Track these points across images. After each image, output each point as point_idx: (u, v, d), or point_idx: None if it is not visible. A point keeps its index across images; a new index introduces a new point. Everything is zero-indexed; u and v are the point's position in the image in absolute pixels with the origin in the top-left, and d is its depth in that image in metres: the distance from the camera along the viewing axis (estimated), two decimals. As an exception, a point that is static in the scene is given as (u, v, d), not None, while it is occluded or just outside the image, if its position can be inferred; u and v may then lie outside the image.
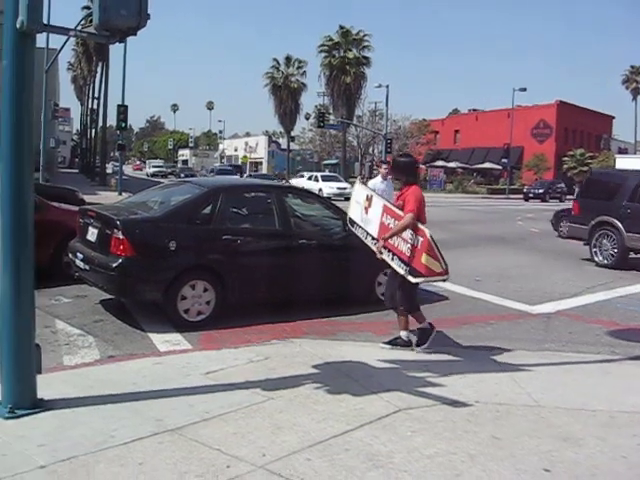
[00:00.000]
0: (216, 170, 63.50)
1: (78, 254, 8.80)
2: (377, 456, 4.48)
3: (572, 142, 75.19)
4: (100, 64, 58.98)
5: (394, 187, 11.46)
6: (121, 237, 7.96)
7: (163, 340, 7.67)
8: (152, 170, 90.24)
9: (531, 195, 55.25)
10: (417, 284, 7.25)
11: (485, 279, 12.97)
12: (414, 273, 6.82)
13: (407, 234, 6.92)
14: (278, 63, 77.66)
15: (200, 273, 8.37)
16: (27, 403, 4.99)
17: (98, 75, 61.00)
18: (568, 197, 50.43)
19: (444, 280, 7.08)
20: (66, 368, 6.52)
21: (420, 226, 6.93)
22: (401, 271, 6.97)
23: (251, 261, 8.72)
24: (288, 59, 77.67)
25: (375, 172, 68.14)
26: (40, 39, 5.46)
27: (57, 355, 6.99)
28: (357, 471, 4.24)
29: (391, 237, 7.11)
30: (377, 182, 13.06)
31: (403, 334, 7.53)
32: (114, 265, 7.95)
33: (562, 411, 5.58)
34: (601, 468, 4.44)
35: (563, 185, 59.40)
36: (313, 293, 9.20)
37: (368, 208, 7.69)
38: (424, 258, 6.72)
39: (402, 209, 7.18)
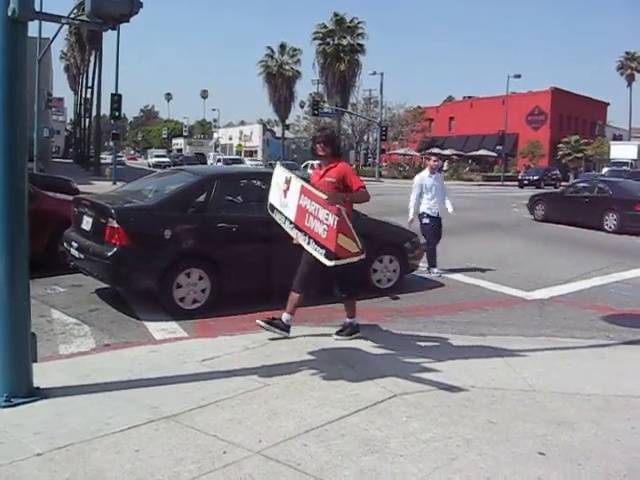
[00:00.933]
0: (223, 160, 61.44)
1: (73, 243, 8.79)
2: (373, 441, 4.50)
3: (567, 129, 75.20)
4: (93, 53, 58.83)
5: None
6: (116, 226, 7.95)
7: (159, 328, 7.67)
8: (154, 160, 79.99)
9: (526, 182, 55.26)
10: (355, 270, 7.06)
11: (480, 265, 12.99)
12: (330, 256, 6.30)
13: (322, 214, 6.38)
14: (272, 51, 77.58)
15: (195, 261, 8.37)
16: (23, 392, 5.00)
17: (91, 64, 60.98)
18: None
19: (360, 260, 6.48)
20: (62, 357, 6.53)
21: (336, 205, 6.39)
22: (317, 255, 6.44)
23: (246, 249, 8.72)
24: (282, 47, 77.57)
25: (370, 160, 68.31)
26: (32, 28, 5.45)
27: (53, 344, 6.99)
28: (353, 456, 4.26)
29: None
30: (424, 176, 12.16)
31: (286, 318, 7.19)
32: (109, 254, 7.94)
33: (557, 395, 5.60)
34: (595, 451, 4.47)
35: (558, 172, 59.45)
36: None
37: (287, 191, 7.13)
38: (340, 238, 6.26)
39: (330, 187, 6.84)
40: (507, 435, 4.69)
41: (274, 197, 7.44)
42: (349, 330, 7.24)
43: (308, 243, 6.62)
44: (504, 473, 4.09)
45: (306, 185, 6.85)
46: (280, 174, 7.42)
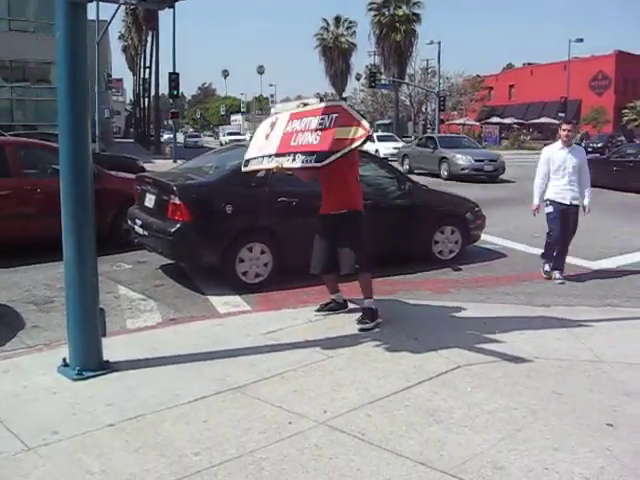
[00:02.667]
0: None
1: (137, 220, 8.96)
2: (437, 412, 4.50)
3: (632, 93, 72.65)
4: (150, 33, 59.39)
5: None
6: (178, 202, 8.06)
7: (222, 302, 7.79)
8: (227, 138, 67.22)
9: (590, 150, 53.83)
10: (362, 237, 6.53)
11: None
12: (320, 157, 5.69)
13: (316, 122, 5.84)
14: (328, 24, 77.15)
15: (257, 236, 8.45)
16: (94, 365, 5.15)
17: (148, 44, 61.50)
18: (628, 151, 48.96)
19: (364, 142, 5.55)
20: (130, 331, 6.70)
21: (333, 103, 6.03)
22: (306, 165, 5.90)
23: (307, 222, 8.72)
24: (337, 19, 77.06)
25: (429, 130, 67.40)
26: (90, 12, 5.52)
27: (120, 319, 7.17)
28: (417, 426, 4.27)
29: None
30: (555, 150, 9.25)
31: (335, 296, 7.06)
32: (172, 230, 8.07)
33: (624, 366, 5.50)
34: (666, 421, 4.38)
35: (623, 138, 57.71)
36: (369, 253, 9.19)
37: (269, 133, 6.65)
38: (338, 132, 5.61)
39: None
40: (573, 406, 4.64)
41: (249, 153, 6.95)
42: (370, 315, 6.58)
43: (293, 160, 6.03)
44: (571, 444, 4.05)
45: (297, 110, 6.44)
46: (264, 123, 7.06)
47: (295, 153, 5.99)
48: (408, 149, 33.28)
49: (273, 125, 6.69)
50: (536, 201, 9.37)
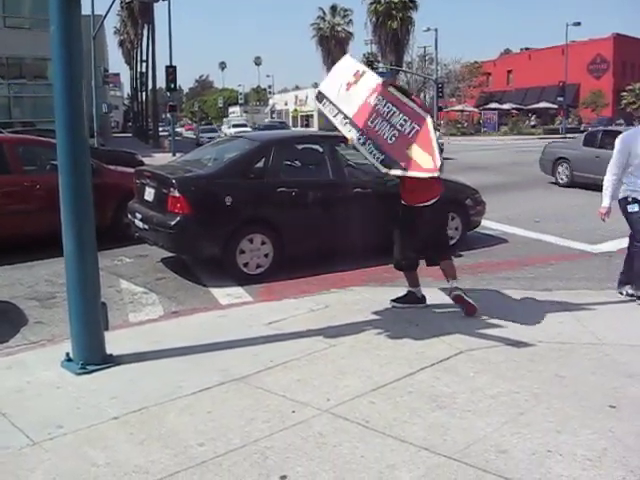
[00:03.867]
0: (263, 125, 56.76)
1: (137, 214, 8.97)
2: (440, 397, 4.52)
3: (631, 76, 72.50)
4: (146, 27, 59.24)
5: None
6: (177, 195, 8.07)
7: (224, 294, 7.81)
8: (232, 131, 53.07)
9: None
10: (446, 225, 6.38)
11: (544, 220, 12.78)
12: (388, 163, 5.73)
13: (397, 119, 5.83)
14: (324, 13, 76.99)
15: (257, 227, 8.45)
16: (97, 359, 5.16)
17: (145, 38, 61.33)
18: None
19: (431, 177, 5.63)
20: (132, 325, 6.72)
21: (421, 112, 5.84)
22: (371, 158, 5.94)
23: (307, 212, 8.77)
24: (333, 8, 76.86)
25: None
26: (85, 6, 5.51)
27: (123, 313, 7.19)
28: (421, 412, 4.29)
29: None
30: (637, 136, 6.92)
31: (417, 290, 6.86)
32: (172, 223, 8.08)
33: (626, 348, 5.52)
34: (668, 402, 4.40)
35: (622, 121, 57.60)
36: (370, 241, 9.21)
37: (352, 84, 6.51)
38: (411, 149, 5.62)
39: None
40: (576, 389, 4.65)
41: (329, 87, 6.86)
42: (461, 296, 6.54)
43: (363, 143, 6.05)
44: (573, 426, 4.06)
45: (388, 88, 6.23)
46: (351, 65, 6.84)
47: (368, 137, 6.00)
48: (566, 149, 20.24)
49: (358, 76, 6.55)
50: (607, 202, 7.22)
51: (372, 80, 6.45)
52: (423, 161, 5.54)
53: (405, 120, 5.79)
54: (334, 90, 6.77)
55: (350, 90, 6.54)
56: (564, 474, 3.51)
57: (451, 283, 6.59)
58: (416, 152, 5.59)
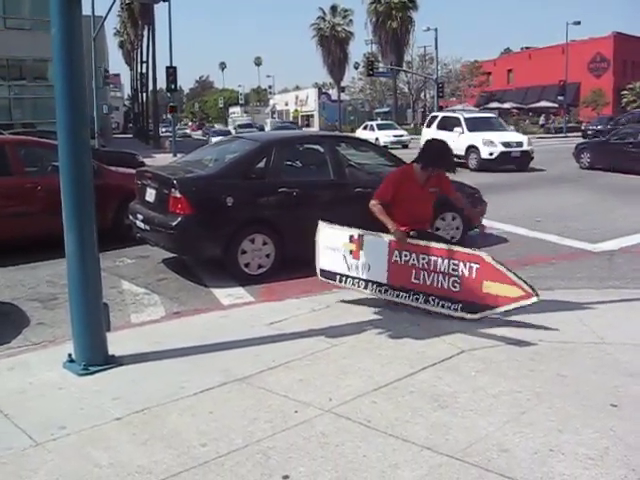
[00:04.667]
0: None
1: (138, 215, 8.97)
2: (442, 396, 4.53)
3: (631, 75, 72.38)
4: (146, 27, 59.21)
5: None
6: (178, 196, 8.07)
7: (226, 294, 7.82)
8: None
9: (590, 132, 53.62)
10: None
11: (545, 219, 12.78)
12: (472, 308, 5.90)
13: (444, 266, 5.98)
14: (324, 13, 76.83)
15: (258, 227, 8.46)
16: (99, 360, 5.17)
17: (145, 39, 61.31)
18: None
19: (533, 303, 5.74)
20: (134, 325, 6.73)
21: (467, 251, 5.98)
22: (448, 312, 6.06)
23: (308, 212, 8.74)
24: (334, 8, 76.72)
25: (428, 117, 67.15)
26: (85, 7, 5.52)
27: (124, 314, 7.20)
28: (422, 411, 4.30)
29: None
30: None
31: None
32: (174, 224, 8.09)
33: (628, 347, 5.52)
34: (670, 400, 4.41)
35: (624, 120, 57.52)
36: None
37: (357, 251, 6.64)
38: (486, 286, 5.76)
39: (434, 197, 6.69)
40: (577, 388, 4.66)
41: (332, 263, 6.88)
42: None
43: (426, 301, 6.17)
44: (575, 425, 4.07)
45: (402, 241, 6.31)
46: (333, 234, 6.88)
47: (429, 294, 6.16)
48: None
49: (358, 242, 6.66)
50: None
51: (379, 241, 6.53)
52: (507, 291, 5.72)
53: (456, 264, 5.97)
54: (339, 263, 6.87)
55: (360, 257, 6.65)
56: (566, 473, 3.52)
57: None
58: (490, 287, 5.79)
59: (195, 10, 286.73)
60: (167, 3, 38.51)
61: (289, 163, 9.38)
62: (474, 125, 25.17)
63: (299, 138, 11.22)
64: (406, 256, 6.34)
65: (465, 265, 5.92)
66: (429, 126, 27.91)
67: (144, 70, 63.14)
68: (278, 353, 5.42)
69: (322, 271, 7.10)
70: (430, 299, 6.21)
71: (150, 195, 8.90)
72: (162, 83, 49.07)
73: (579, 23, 60.66)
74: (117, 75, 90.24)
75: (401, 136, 44.52)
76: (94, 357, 5.16)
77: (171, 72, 38.45)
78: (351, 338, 5.81)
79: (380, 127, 46.60)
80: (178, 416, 4.31)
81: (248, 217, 8.41)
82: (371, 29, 69.33)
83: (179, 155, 26.15)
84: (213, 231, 8.26)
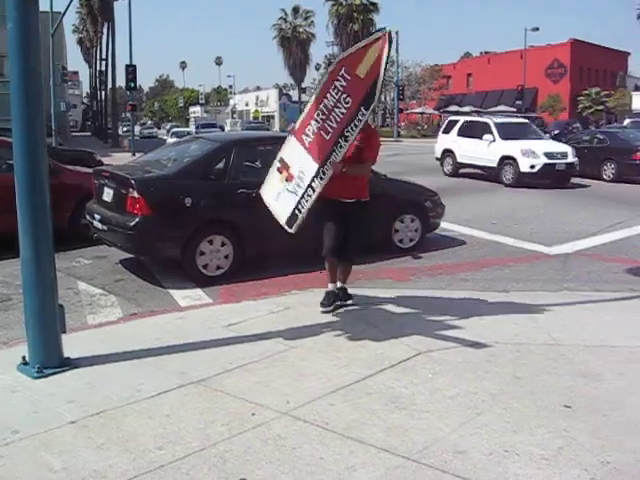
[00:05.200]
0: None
1: (95, 215, 8.86)
2: (399, 398, 4.55)
3: (587, 81, 73.78)
4: (106, 24, 58.57)
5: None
6: (136, 196, 7.99)
7: (184, 296, 7.76)
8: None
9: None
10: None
11: (501, 222, 12.95)
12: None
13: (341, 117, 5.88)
14: (286, 14, 76.85)
15: (217, 228, 8.41)
16: (54, 362, 5.09)
17: (104, 36, 60.64)
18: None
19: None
20: (90, 327, 6.63)
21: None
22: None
23: (267, 213, 8.72)
24: (295, 9, 76.78)
25: (388, 120, 67.59)
26: (44, 3, 5.43)
27: (81, 315, 7.10)
28: (380, 413, 4.32)
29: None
30: None
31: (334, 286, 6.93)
32: (131, 224, 8.00)
33: (581, 348, 5.61)
34: (621, 402, 4.49)
35: (579, 125, 58.53)
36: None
37: (289, 172, 6.46)
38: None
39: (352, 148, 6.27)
40: (532, 389, 4.72)
41: (283, 208, 6.58)
42: (343, 296, 6.89)
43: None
44: (530, 426, 4.12)
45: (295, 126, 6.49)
46: (269, 185, 6.84)
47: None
48: None
49: (281, 169, 6.56)
50: None
51: (291, 142, 6.50)
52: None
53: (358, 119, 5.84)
54: (291, 198, 6.49)
55: (294, 174, 6.39)
56: (520, 473, 3.56)
57: (341, 285, 6.88)
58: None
59: (156, 8, 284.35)
60: (127, 0, 38.26)
61: (249, 164, 9.33)
62: (508, 132, 21.44)
63: (259, 139, 11.17)
64: (309, 130, 6.18)
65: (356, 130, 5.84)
66: (447, 132, 24.14)
67: (103, 68, 62.45)
68: (236, 355, 5.39)
69: (288, 223, 6.67)
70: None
71: (108, 195, 8.80)
72: (122, 81, 48.76)
73: (537, 29, 61.68)
74: (75, 72, 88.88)
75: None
76: (49, 359, 5.07)
77: (131, 70, 38.07)
78: (309, 340, 5.80)
79: None
80: (134, 419, 4.27)
81: (207, 218, 8.36)
82: (333, 31, 69.66)
83: (138, 154, 25.91)
84: (171, 232, 8.19)
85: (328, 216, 6.61)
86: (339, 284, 6.91)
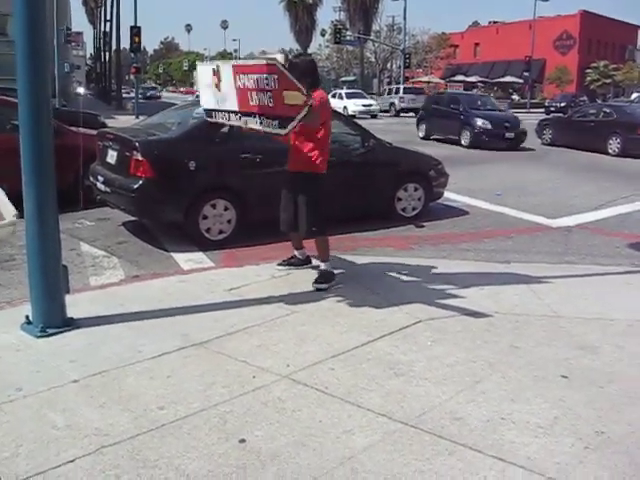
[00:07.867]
0: None
1: (99, 177, 8.86)
2: (398, 365, 4.59)
3: (596, 53, 73.21)
4: (111, -16, 57.89)
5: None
6: (140, 158, 7.98)
7: (186, 259, 7.79)
8: None
9: (553, 109, 54.10)
10: (318, 201, 6.38)
11: (506, 193, 12.93)
12: (283, 124, 5.53)
13: (263, 82, 5.49)
14: (292, -23, 75.93)
15: (220, 192, 8.41)
16: (57, 322, 5.13)
17: (109, -4, 59.96)
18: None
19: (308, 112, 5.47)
20: (93, 288, 6.66)
21: (262, 62, 5.66)
22: (273, 130, 5.69)
23: (270, 179, 8.71)
24: (303, -27, 75.87)
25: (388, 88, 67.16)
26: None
27: (83, 276, 7.14)
28: (379, 379, 4.36)
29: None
30: None
31: (298, 252, 7.11)
32: (135, 187, 8.00)
33: (580, 321, 5.64)
34: (617, 374, 4.52)
35: (586, 98, 58.14)
36: (333, 210, 9.22)
37: (219, 84, 6.34)
38: (286, 97, 5.39)
39: None
40: (530, 359, 4.76)
41: (207, 100, 6.74)
42: (325, 277, 6.53)
43: (261, 123, 5.82)
44: (527, 395, 4.16)
45: (237, 62, 6.22)
46: (205, 71, 6.66)
47: (259, 115, 5.76)
48: None
49: (218, 74, 6.35)
50: None
51: (227, 67, 6.22)
52: (296, 99, 5.35)
53: (267, 78, 5.47)
54: (212, 100, 6.64)
55: (221, 89, 6.37)
56: (516, 441, 3.61)
57: (325, 266, 6.61)
58: (292, 97, 5.36)
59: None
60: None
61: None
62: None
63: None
64: (242, 80, 5.92)
65: (271, 77, 5.45)
66: None
67: (108, 29, 61.94)
68: (237, 319, 5.43)
69: (206, 111, 6.89)
70: (263, 120, 5.74)
71: (111, 157, 8.79)
72: (126, 43, 48.12)
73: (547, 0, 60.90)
74: (80, 33, 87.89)
75: (370, 105, 44.24)
76: (52, 319, 5.10)
77: (135, 32, 37.80)
78: (310, 306, 5.84)
79: (349, 96, 45.78)
80: (136, 379, 4.31)
81: (210, 182, 8.35)
82: (339, -5, 68.90)
83: (141, 117, 25.79)
84: (174, 195, 8.19)
85: (282, 186, 6.66)
86: (315, 262, 6.88)
